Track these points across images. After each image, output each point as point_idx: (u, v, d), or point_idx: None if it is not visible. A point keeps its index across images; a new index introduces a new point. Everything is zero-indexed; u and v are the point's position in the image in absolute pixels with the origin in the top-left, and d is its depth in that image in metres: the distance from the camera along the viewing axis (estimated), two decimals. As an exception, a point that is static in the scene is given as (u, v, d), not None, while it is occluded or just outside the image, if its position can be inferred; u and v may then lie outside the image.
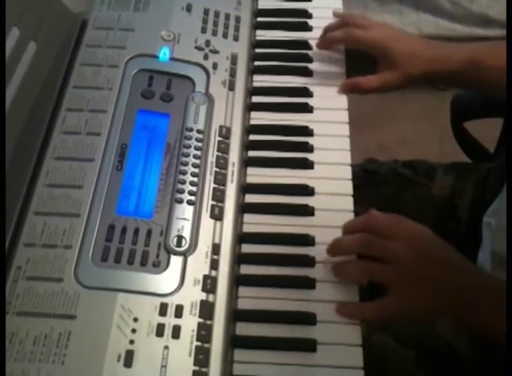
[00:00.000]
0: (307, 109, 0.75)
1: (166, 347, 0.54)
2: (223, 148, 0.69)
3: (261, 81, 0.78)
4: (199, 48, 0.76)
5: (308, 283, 0.62)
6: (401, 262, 0.58)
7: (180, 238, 0.61)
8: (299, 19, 0.85)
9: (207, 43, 0.76)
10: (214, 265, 0.60)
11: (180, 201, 0.63)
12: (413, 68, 0.74)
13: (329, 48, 0.79)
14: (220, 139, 0.69)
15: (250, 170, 0.70)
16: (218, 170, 0.67)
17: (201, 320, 0.56)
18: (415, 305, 0.58)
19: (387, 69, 0.75)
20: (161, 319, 0.55)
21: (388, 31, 0.77)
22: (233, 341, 0.58)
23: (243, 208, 0.67)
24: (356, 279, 0.60)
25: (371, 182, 0.89)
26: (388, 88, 0.75)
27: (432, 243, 0.60)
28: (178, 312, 0.56)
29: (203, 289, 0.58)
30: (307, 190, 0.69)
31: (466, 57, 0.74)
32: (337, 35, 0.78)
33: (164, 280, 0.58)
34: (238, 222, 0.65)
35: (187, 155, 0.66)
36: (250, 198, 0.68)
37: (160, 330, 0.55)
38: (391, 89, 0.76)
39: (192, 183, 0.65)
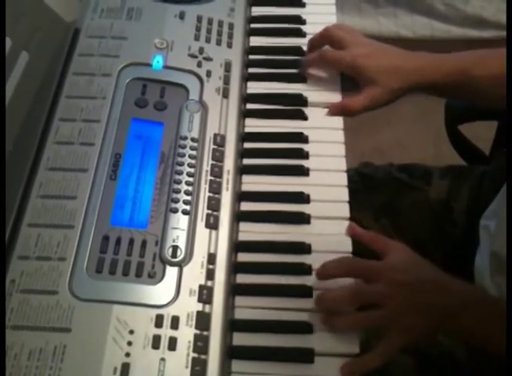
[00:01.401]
0: (301, 115, 0.75)
1: (162, 359, 0.54)
2: (218, 156, 0.68)
3: (255, 88, 0.78)
4: (192, 56, 0.75)
5: (305, 292, 0.61)
6: (391, 301, 0.58)
7: (175, 248, 0.60)
8: (293, 25, 0.85)
9: (201, 50, 0.76)
10: (210, 275, 0.60)
11: (175, 211, 0.63)
12: (394, 82, 0.73)
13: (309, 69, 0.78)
14: (214, 147, 0.69)
15: (246, 178, 0.70)
16: (212, 178, 0.66)
17: (198, 331, 0.56)
18: (413, 336, 0.59)
19: (367, 86, 0.73)
20: (157, 331, 0.55)
21: (361, 49, 0.75)
22: (230, 352, 0.58)
23: (238, 217, 0.66)
24: (352, 330, 0.60)
25: (366, 186, 0.88)
26: (376, 106, 0.74)
27: (407, 267, 0.60)
28: (174, 323, 0.56)
29: (200, 299, 0.58)
30: (302, 198, 0.68)
31: (451, 67, 0.73)
32: (313, 58, 0.77)
33: (160, 291, 0.58)
34: (234, 231, 0.65)
35: (181, 164, 0.66)
36: (246, 206, 0.68)
37: (156, 342, 0.54)
38: (379, 106, 0.75)
39: (186, 192, 0.64)
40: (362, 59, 0.74)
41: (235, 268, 0.63)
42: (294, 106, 0.76)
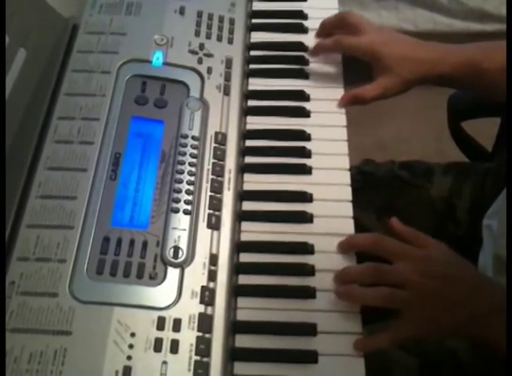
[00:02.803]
0: (304, 113, 0.74)
1: (164, 362, 0.53)
2: (219, 155, 0.67)
3: (256, 84, 0.77)
4: (193, 52, 0.74)
5: (309, 293, 0.61)
6: (413, 286, 0.57)
7: (177, 249, 0.59)
8: (294, 20, 0.83)
9: (201, 47, 0.75)
10: (212, 276, 0.59)
11: (176, 211, 0.62)
12: (408, 72, 0.73)
13: (319, 55, 0.78)
14: (216, 145, 0.68)
15: (247, 176, 0.69)
16: (214, 177, 0.65)
17: (200, 334, 0.55)
18: (429, 328, 0.58)
19: (382, 75, 0.73)
20: (159, 334, 0.54)
21: (379, 36, 0.75)
22: (233, 354, 0.57)
23: (240, 216, 0.66)
24: (371, 303, 0.59)
25: (368, 184, 0.88)
26: (388, 95, 0.74)
27: (445, 260, 0.60)
28: (176, 325, 0.55)
29: (202, 301, 0.57)
30: (305, 197, 0.67)
31: (461, 59, 0.73)
32: (328, 44, 0.77)
33: (161, 293, 0.57)
34: (236, 231, 0.64)
35: (182, 163, 0.65)
36: (248, 206, 0.67)
37: (157, 345, 0.54)
38: (391, 95, 0.74)
39: (188, 192, 0.63)
40: (379, 46, 0.73)
41: (237, 269, 0.62)
42: (296, 103, 0.75)
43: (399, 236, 0.63)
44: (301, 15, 0.84)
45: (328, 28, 0.78)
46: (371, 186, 0.88)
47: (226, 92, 0.72)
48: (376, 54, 0.73)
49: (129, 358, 0.53)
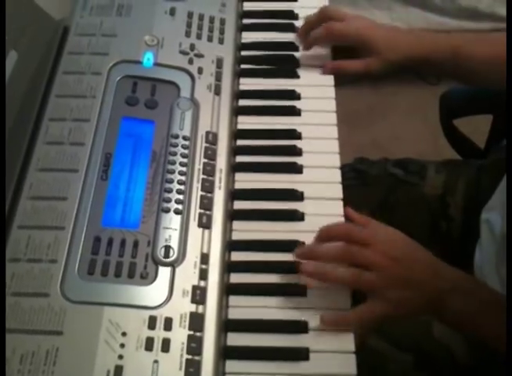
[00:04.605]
0: (294, 112, 0.74)
1: (155, 361, 0.53)
2: (210, 154, 0.67)
3: (247, 84, 0.77)
4: (183, 53, 0.75)
5: (300, 291, 0.61)
6: (380, 268, 0.58)
7: (168, 248, 0.60)
8: (285, 20, 0.84)
9: (192, 47, 0.75)
10: (203, 275, 0.59)
11: (167, 210, 0.62)
12: (391, 53, 0.76)
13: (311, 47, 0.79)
14: (206, 145, 0.68)
15: (238, 176, 0.69)
16: (205, 177, 0.66)
17: (191, 333, 0.55)
18: (395, 308, 0.59)
19: (367, 55, 0.76)
20: (150, 333, 0.55)
21: (366, 21, 0.79)
22: (224, 353, 0.57)
23: (231, 215, 0.66)
24: (341, 282, 0.60)
25: (362, 182, 0.88)
26: (370, 71, 0.77)
27: (403, 245, 0.61)
28: (168, 324, 0.55)
29: (193, 300, 0.57)
30: (296, 195, 0.68)
31: (443, 44, 0.76)
32: (319, 32, 0.78)
33: (153, 292, 0.57)
34: (227, 230, 0.64)
35: (173, 163, 0.65)
36: (239, 205, 0.67)
37: (149, 344, 0.54)
38: (373, 72, 0.77)
39: (179, 191, 0.64)
40: (365, 30, 0.77)
41: (228, 267, 0.62)
42: (287, 102, 0.75)
43: (355, 223, 0.64)
44: (292, 15, 0.84)
45: (312, 24, 0.79)
46: (365, 183, 0.88)
47: (217, 91, 0.73)
48: (364, 37, 0.76)
49: (120, 357, 0.53)
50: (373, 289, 0.59)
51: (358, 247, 0.59)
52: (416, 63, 0.77)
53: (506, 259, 0.61)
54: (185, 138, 0.67)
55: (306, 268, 0.60)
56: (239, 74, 0.78)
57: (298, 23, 0.83)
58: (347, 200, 0.67)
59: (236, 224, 0.65)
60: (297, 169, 0.70)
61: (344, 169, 0.71)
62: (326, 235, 0.61)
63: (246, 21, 0.84)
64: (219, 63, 0.75)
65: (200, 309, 0.57)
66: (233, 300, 0.60)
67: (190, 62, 0.74)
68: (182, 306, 0.57)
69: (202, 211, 0.63)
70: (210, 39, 0.77)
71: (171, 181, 0.64)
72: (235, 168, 0.70)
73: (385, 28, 0.79)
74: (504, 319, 0.50)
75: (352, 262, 0.60)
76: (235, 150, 0.71)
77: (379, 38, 0.76)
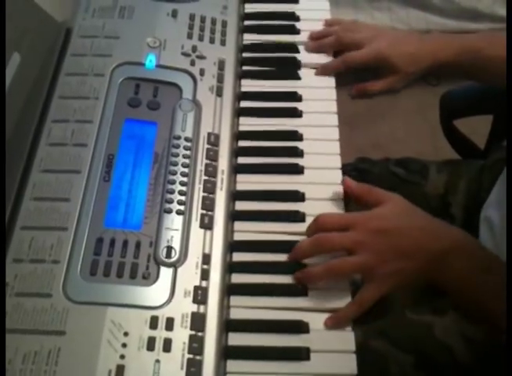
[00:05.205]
0: (296, 113, 0.75)
1: (157, 361, 0.54)
2: (212, 155, 0.68)
3: (249, 85, 0.78)
4: (185, 55, 0.75)
5: (301, 291, 0.61)
6: (363, 247, 0.58)
7: (170, 249, 0.60)
8: (286, 22, 0.84)
9: (194, 49, 0.76)
10: (205, 275, 0.59)
11: (169, 211, 0.62)
12: (411, 67, 0.77)
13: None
14: (208, 146, 0.68)
15: (240, 177, 0.70)
16: (207, 178, 0.66)
17: (192, 332, 0.56)
18: (391, 282, 0.59)
19: (391, 74, 0.77)
20: (152, 333, 0.55)
21: (382, 41, 0.78)
22: (226, 352, 0.58)
23: (233, 216, 0.66)
24: (324, 277, 0.60)
25: (363, 181, 0.88)
26: (395, 89, 0.78)
27: (396, 213, 0.61)
28: (169, 324, 0.56)
29: (194, 300, 0.58)
30: (298, 196, 0.68)
31: (463, 48, 0.76)
32: (336, 63, 0.79)
33: (154, 293, 0.58)
34: (228, 231, 0.64)
35: (175, 164, 0.66)
36: (241, 205, 0.67)
37: (151, 344, 0.54)
38: (397, 89, 0.78)
39: (181, 192, 0.64)
40: (385, 49, 0.77)
41: (230, 268, 0.63)
42: (289, 104, 0.75)
43: (354, 195, 0.64)
44: (293, 17, 0.85)
45: (325, 51, 0.80)
46: (366, 182, 0.88)
47: (219, 93, 0.73)
48: (384, 58, 0.77)
49: (122, 357, 0.53)
50: (362, 271, 0.59)
51: (335, 233, 0.59)
52: (439, 68, 0.78)
53: (506, 258, 0.61)
54: (187, 139, 0.68)
55: (296, 276, 0.61)
56: (240, 75, 0.78)
57: (299, 25, 0.84)
58: (349, 200, 0.68)
59: (238, 225, 0.66)
60: (298, 170, 0.70)
61: (346, 168, 0.71)
62: (309, 231, 0.62)
63: (247, 23, 0.84)
64: (221, 65, 0.75)
65: (202, 309, 0.57)
66: (234, 300, 0.61)
67: (192, 63, 0.74)
68: (184, 306, 0.57)
69: (204, 211, 0.63)
70: (212, 41, 0.77)
71: (173, 182, 0.64)
72: (236, 169, 0.70)
73: (404, 42, 0.78)
74: (504, 283, 0.49)
75: (331, 248, 0.60)
76: (236, 152, 0.71)
77: (398, 54, 0.77)
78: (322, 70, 0.79)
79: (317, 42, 0.81)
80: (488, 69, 0.76)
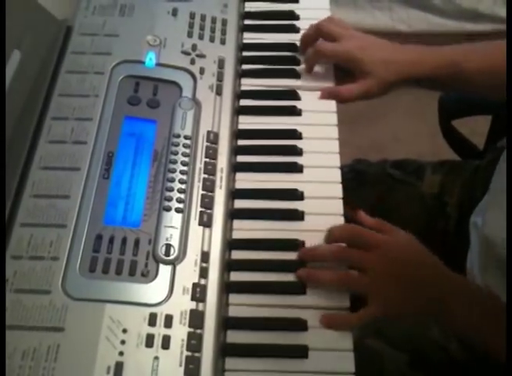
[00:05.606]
0: (295, 112, 0.75)
1: (156, 358, 0.54)
2: (211, 154, 0.68)
3: (248, 84, 0.78)
4: (185, 53, 0.75)
5: (299, 289, 0.61)
6: (373, 269, 0.59)
7: (168, 247, 0.60)
8: (286, 21, 0.84)
9: (194, 47, 0.76)
10: (204, 273, 0.60)
11: (168, 209, 0.63)
12: (388, 74, 0.74)
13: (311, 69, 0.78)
14: (208, 144, 0.69)
15: (239, 175, 0.70)
16: (206, 176, 0.66)
17: (191, 330, 0.56)
18: (391, 308, 0.59)
19: (362, 78, 0.75)
20: (151, 330, 0.55)
21: (355, 41, 0.76)
22: (224, 350, 0.58)
23: (232, 214, 0.66)
24: (329, 285, 0.61)
25: (360, 182, 0.88)
26: (369, 97, 0.75)
27: (406, 246, 0.62)
28: (168, 322, 0.56)
29: (193, 298, 0.58)
30: (296, 194, 0.68)
31: (441, 60, 0.75)
32: (310, 55, 0.78)
33: (153, 290, 0.58)
34: (227, 229, 0.65)
35: (175, 162, 0.66)
36: (240, 204, 0.68)
37: (149, 341, 0.54)
38: (372, 97, 0.76)
39: (180, 190, 0.64)
40: (357, 50, 0.75)
41: (228, 266, 0.63)
42: (288, 102, 0.75)
43: (367, 227, 0.64)
44: (293, 16, 0.85)
45: (309, 41, 0.79)
46: (363, 184, 0.88)
47: (218, 91, 0.73)
48: (355, 60, 0.75)
49: (121, 354, 0.53)
50: (365, 290, 0.59)
51: (358, 250, 0.60)
52: (416, 81, 0.76)
53: (506, 259, 0.62)
54: (186, 137, 0.68)
55: (299, 273, 0.61)
56: (240, 74, 0.78)
57: (299, 24, 0.84)
58: (346, 201, 0.68)
59: (237, 223, 0.66)
60: (297, 169, 0.70)
61: (343, 170, 0.71)
62: (329, 237, 0.62)
63: (247, 22, 0.84)
64: (221, 64, 0.76)
65: (200, 306, 0.58)
66: (233, 298, 0.61)
67: (192, 62, 0.74)
68: (183, 304, 0.57)
69: (203, 209, 0.63)
70: (212, 40, 0.78)
71: (172, 180, 0.64)
72: (236, 167, 0.70)
73: (380, 47, 0.76)
74: (504, 324, 0.50)
75: (347, 262, 0.60)
76: (236, 150, 0.71)
77: (372, 59, 0.74)
78: (306, 66, 0.78)
79: (302, 35, 0.80)
80: (468, 82, 0.75)
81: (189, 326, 0.56)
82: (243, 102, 0.76)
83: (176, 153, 0.66)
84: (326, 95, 0.75)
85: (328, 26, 0.77)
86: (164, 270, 0.59)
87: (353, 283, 0.60)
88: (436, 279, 0.61)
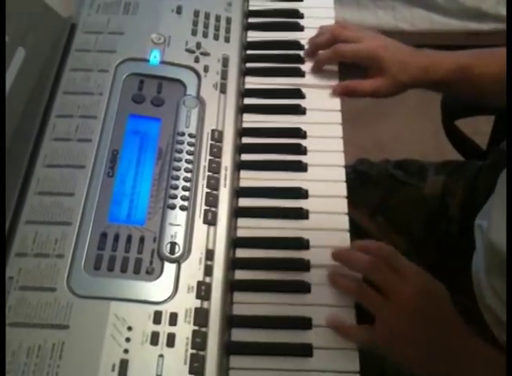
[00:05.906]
0: (299, 110, 0.75)
1: (161, 355, 0.54)
2: (215, 152, 0.68)
3: (253, 82, 0.78)
4: (189, 51, 0.75)
5: (304, 288, 0.61)
6: (398, 301, 0.58)
7: (173, 245, 0.60)
8: (290, 19, 0.84)
9: (198, 45, 0.76)
10: (208, 271, 0.60)
11: (173, 207, 0.63)
12: (403, 75, 0.75)
13: (322, 70, 0.78)
14: (212, 142, 0.69)
15: (244, 173, 0.70)
16: (210, 174, 0.66)
17: (196, 328, 0.56)
18: (394, 344, 0.58)
19: (378, 75, 0.75)
20: (155, 328, 0.55)
21: (377, 41, 0.78)
22: (229, 348, 0.58)
23: (236, 212, 0.66)
24: (347, 293, 0.61)
25: (362, 183, 0.88)
26: (380, 94, 0.76)
27: (437, 301, 0.60)
28: (173, 319, 0.56)
29: (198, 296, 0.58)
30: (301, 193, 0.68)
31: (454, 65, 0.75)
32: (327, 54, 0.78)
33: (158, 288, 0.58)
34: (232, 227, 0.65)
35: (179, 160, 0.66)
36: (244, 202, 0.67)
37: (154, 339, 0.54)
38: (383, 95, 0.76)
39: (184, 188, 0.64)
40: (380, 49, 0.76)
41: (233, 264, 0.63)
42: (292, 101, 0.75)
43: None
44: (297, 14, 0.85)
45: (320, 46, 0.79)
46: (365, 184, 0.88)
47: (223, 90, 0.73)
48: (376, 57, 0.75)
49: (126, 351, 0.54)
50: (375, 312, 0.58)
51: (392, 271, 0.59)
52: (427, 84, 0.77)
53: (506, 259, 0.61)
54: (191, 135, 0.68)
55: (334, 278, 0.61)
56: (244, 72, 0.78)
57: (303, 23, 0.84)
58: (348, 201, 0.68)
59: (241, 221, 0.66)
60: (301, 167, 0.70)
61: (345, 170, 0.71)
62: (366, 248, 0.61)
63: (251, 20, 0.84)
64: (225, 62, 0.75)
65: (205, 304, 0.58)
66: (238, 296, 0.61)
67: (196, 60, 0.74)
68: (187, 302, 0.57)
69: (207, 207, 0.63)
70: (216, 38, 0.77)
71: (176, 178, 0.64)
72: (240, 165, 0.70)
73: (397, 49, 0.77)
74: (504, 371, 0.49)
75: (377, 280, 0.59)
76: (240, 148, 0.71)
77: (389, 58, 0.75)
78: (316, 65, 0.78)
79: (311, 41, 0.80)
80: (475, 87, 0.75)
81: (194, 324, 0.56)
82: (248, 100, 0.76)
83: (180, 152, 0.66)
84: (338, 90, 0.76)
85: (344, 32, 0.78)
86: (169, 268, 0.59)
87: (372, 304, 0.59)
88: (445, 335, 0.59)
